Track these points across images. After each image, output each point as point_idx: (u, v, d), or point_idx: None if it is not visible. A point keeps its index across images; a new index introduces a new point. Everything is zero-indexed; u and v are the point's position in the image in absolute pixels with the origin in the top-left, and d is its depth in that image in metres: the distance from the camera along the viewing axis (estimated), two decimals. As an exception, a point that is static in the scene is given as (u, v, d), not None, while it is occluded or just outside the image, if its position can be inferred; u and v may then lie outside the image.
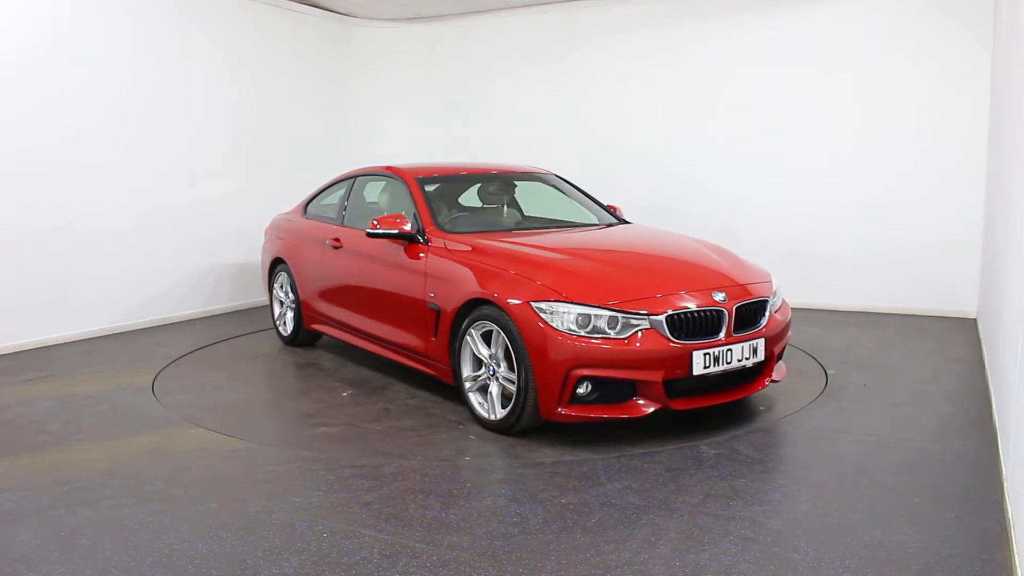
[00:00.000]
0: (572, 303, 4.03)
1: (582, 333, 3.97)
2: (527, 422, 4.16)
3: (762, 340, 4.32)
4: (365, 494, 3.52)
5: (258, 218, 8.39)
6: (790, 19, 7.77)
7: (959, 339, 6.40)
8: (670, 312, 4.04)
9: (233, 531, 3.15)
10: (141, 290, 7.27)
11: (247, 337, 6.94)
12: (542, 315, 4.02)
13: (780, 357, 4.73)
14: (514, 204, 6.00)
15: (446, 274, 4.68)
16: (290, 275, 6.43)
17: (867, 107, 7.49)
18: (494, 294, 4.24)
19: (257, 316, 7.88)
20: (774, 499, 3.41)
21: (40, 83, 6.38)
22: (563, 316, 4.00)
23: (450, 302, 4.55)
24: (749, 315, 4.33)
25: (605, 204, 6.03)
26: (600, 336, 3.97)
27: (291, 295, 6.46)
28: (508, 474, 3.72)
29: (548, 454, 4.00)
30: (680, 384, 4.14)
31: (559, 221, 5.77)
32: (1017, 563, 2.76)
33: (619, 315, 4.00)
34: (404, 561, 2.88)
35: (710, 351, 4.09)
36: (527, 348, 4.04)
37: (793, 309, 7.76)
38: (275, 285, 6.71)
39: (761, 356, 4.33)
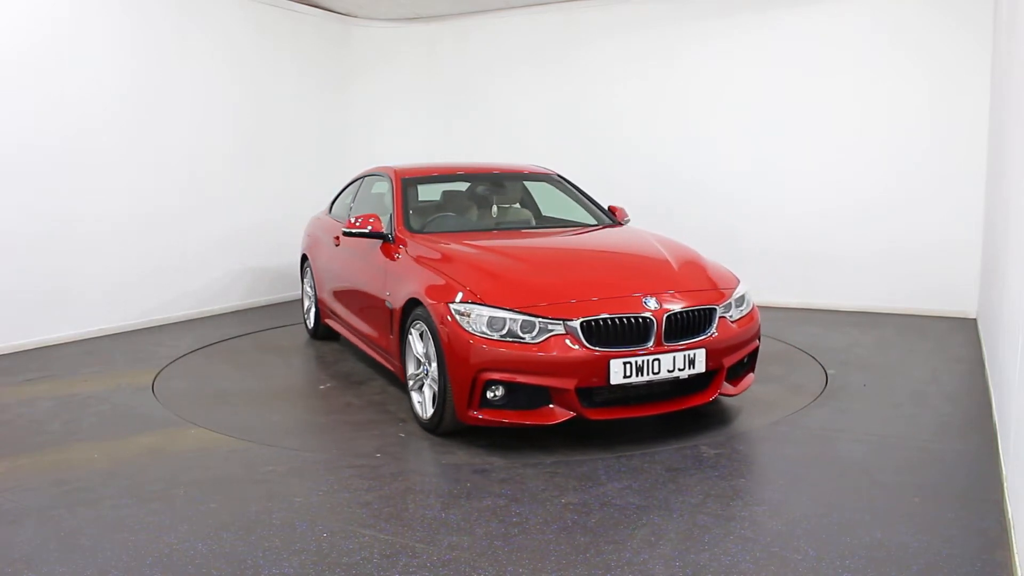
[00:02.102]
0: (486, 306, 3.99)
1: (495, 337, 3.92)
2: (448, 423, 4.16)
3: (702, 351, 4.09)
4: (365, 494, 3.52)
5: (258, 218, 8.42)
6: (790, 19, 7.78)
7: (959, 339, 6.40)
8: (586, 318, 3.92)
9: (233, 531, 3.15)
10: (141, 290, 7.27)
11: (250, 336, 6.94)
12: (457, 317, 4.02)
13: (751, 368, 4.60)
14: (511, 204, 5.98)
15: (400, 274, 4.77)
16: (311, 271, 6.68)
17: (867, 107, 7.50)
18: (423, 295, 4.30)
19: (258, 315, 7.89)
20: (774, 499, 3.41)
21: (40, 83, 6.39)
22: (477, 319, 3.97)
23: (397, 301, 4.66)
24: (689, 323, 4.12)
25: (607, 204, 6.01)
26: (514, 340, 3.91)
27: (313, 290, 6.69)
28: (508, 474, 3.72)
29: (460, 455, 4.00)
30: (604, 393, 4.01)
31: (548, 222, 5.78)
32: (1017, 563, 2.76)
33: (535, 320, 3.92)
34: (404, 561, 2.88)
35: (631, 360, 3.92)
36: (443, 349, 4.06)
37: (793, 309, 7.80)
38: (304, 281, 6.99)
39: (701, 368, 4.10)
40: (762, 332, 6.69)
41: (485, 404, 3.99)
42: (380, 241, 5.20)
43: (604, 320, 3.95)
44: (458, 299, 4.08)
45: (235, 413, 4.84)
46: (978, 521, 3.15)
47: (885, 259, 7.53)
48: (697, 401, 4.23)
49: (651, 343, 3.99)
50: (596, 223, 5.65)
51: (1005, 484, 3.44)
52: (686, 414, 4.54)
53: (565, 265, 4.61)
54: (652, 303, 4.05)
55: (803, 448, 4.07)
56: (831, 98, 7.63)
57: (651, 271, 4.49)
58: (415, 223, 5.30)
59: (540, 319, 3.93)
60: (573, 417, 3.96)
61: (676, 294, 4.19)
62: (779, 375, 5.42)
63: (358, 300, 5.51)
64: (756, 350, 4.60)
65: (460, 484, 3.62)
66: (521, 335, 3.92)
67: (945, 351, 6.03)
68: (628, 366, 3.92)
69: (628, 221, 5.80)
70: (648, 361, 3.96)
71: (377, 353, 5.25)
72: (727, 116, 8.11)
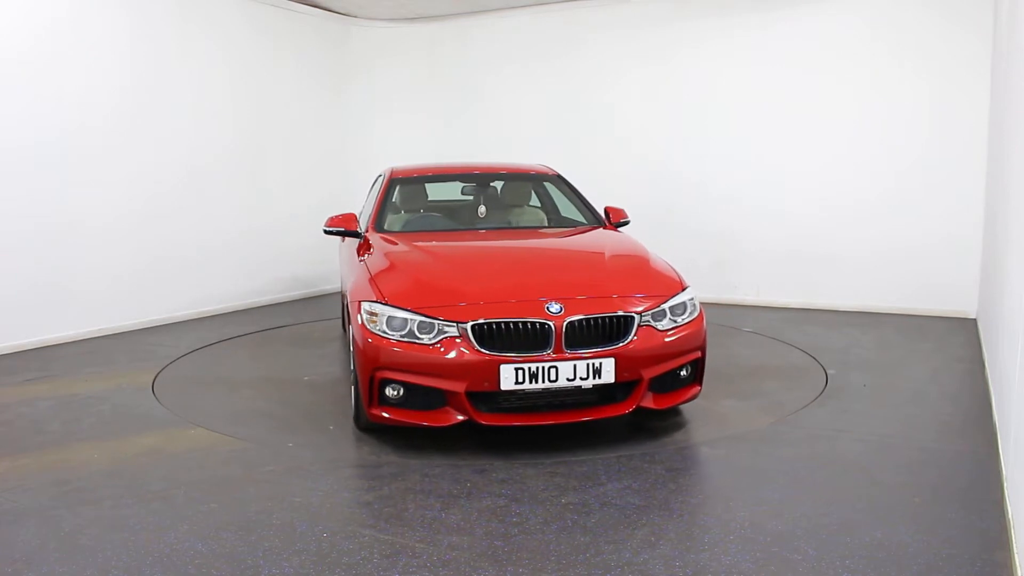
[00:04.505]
0: (390, 306, 4.03)
1: (395, 337, 3.93)
2: (364, 419, 4.20)
3: (611, 360, 3.92)
4: (365, 494, 3.52)
5: (258, 218, 8.42)
6: (790, 19, 7.78)
7: (959, 339, 6.40)
8: (478, 321, 3.87)
9: (233, 531, 3.15)
10: (141, 290, 7.26)
11: (249, 337, 6.95)
12: (366, 316, 4.08)
13: (697, 380, 4.36)
14: (508, 203, 5.96)
15: (353, 272, 4.87)
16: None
17: (867, 107, 7.50)
18: (349, 294, 4.41)
19: (261, 315, 7.89)
20: (774, 499, 3.41)
21: (39, 82, 6.39)
22: (381, 318, 4.01)
23: (345, 299, 4.80)
24: (602, 330, 3.97)
25: (605, 205, 5.93)
26: (412, 341, 3.91)
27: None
28: (508, 474, 3.72)
29: (364, 451, 4.10)
30: (505, 398, 3.94)
31: (530, 222, 5.75)
32: (1017, 563, 2.76)
33: (434, 321, 3.92)
34: (404, 561, 2.88)
35: (524, 366, 3.83)
36: (353, 347, 4.15)
37: (793, 309, 7.80)
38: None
39: (609, 378, 3.92)
40: (762, 332, 6.75)
41: (385, 402, 4.02)
42: (359, 240, 5.29)
43: (498, 324, 3.89)
44: (369, 299, 4.15)
45: (199, 397, 5.00)
46: (978, 521, 3.15)
47: (885, 259, 7.53)
48: (609, 413, 4.03)
49: (550, 350, 3.90)
50: (585, 224, 5.57)
51: (1005, 484, 3.44)
52: (685, 415, 4.55)
53: (496, 268, 4.57)
54: (555, 308, 3.94)
55: (803, 448, 4.07)
56: (832, 98, 7.64)
57: (578, 275, 4.41)
58: (391, 222, 5.41)
59: (438, 321, 3.92)
60: (465, 421, 3.93)
61: (590, 300, 4.05)
62: (779, 375, 5.42)
63: (342, 296, 5.67)
64: (698, 361, 4.31)
65: (460, 484, 3.62)
66: (419, 336, 3.92)
67: (945, 351, 6.03)
68: (520, 372, 3.83)
69: (627, 222, 5.71)
70: (544, 368, 3.84)
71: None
72: (728, 116, 8.11)
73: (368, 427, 4.30)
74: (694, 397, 4.37)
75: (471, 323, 3.88)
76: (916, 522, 3.15)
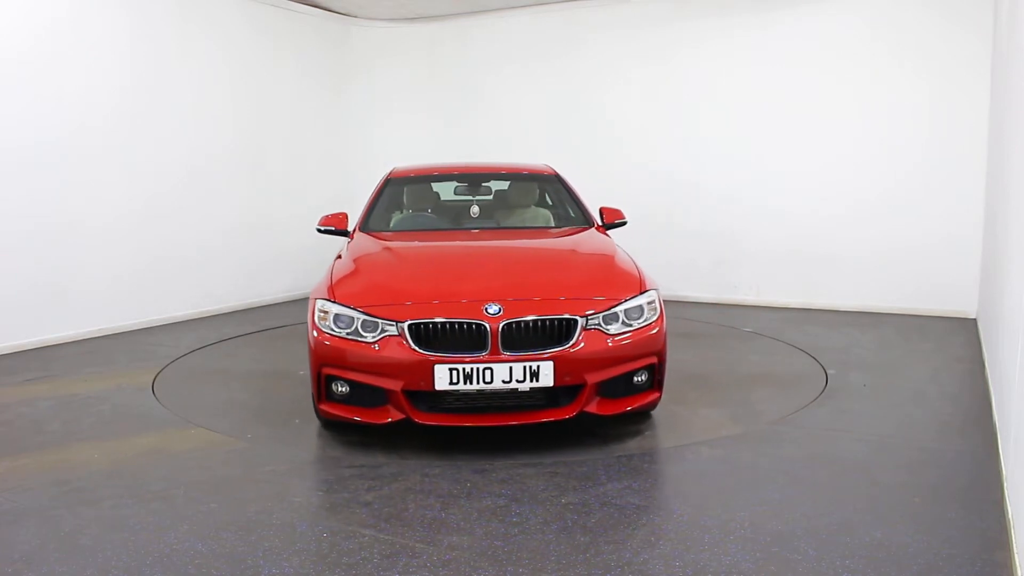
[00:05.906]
0: (338, 304, 4.08)
1: (342, 335, 4.00)
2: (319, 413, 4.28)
3: (549, 363, 3.84)
4: (365, 494, 3.52)
5: (259, 218, 8.41)
6: (790, 19, 7.79)
7: (959, 339, 6.40)
8: (415, 320, 3.90)
9: (233, 531, 3.15)
10: (141, 290, 7.26)
11: (249, 336, 6.95)
12: (318, 314, 4.14)
13: (657, 387, 4.21)
14: (504, 203, 5.92)
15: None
16: None
17: (867, 107, 7.50)
18: (312, 291, 4.46)
19: (261, 315, 7.89)
20: (774, 499, 3.41)
21: (39, 82, 6.39)
22: (329, 316, 4.07)
23: None
24: (541, 333, 3.90)
25: (600, 206, 5.87)
26: (356, 339, 3.97)
27: None
28: (508, 474, 3.72)
29: (316, 450, 4.17)
30: (443, 398, 3.93)
31: (527, 223, 5.67)
32: (1017, 563, 2.76)
33: (377, 320, 3.95)
34: (404, 561, 2.88)
35: (458, 367, 3.83)
36: (307, 343, 4.20)
37: (793, 309, 7.80)
38: None
39: (548, 382, 3.84)
40: (762, 332, 6.75)
41: (332, 398, 4.08)
42: (348, 239, 5.31)
43: (434, 324, 3.90)
44: (323, 297, 4.20)
45: (199, 397, 5.05)
46: (978, 521, 3.15)
47: (885, 259, 7.53)
48: (549, 417, 3.96)
49: (487, 351, 3.87)
50: (576, 225, 5.48)
51: (1005, 484, 3.44)
52: (685, 415, 4.55)
53: (453, 269, 4.57)
54: (493, 309, 3.91)
55: (803, 448, 4.07)
56: (832, 98, 7.64)
57: (534, 276, 4.35)
58: (382, 222, 5.42)
59: (381, 320, 3.96)
60: (403, 419, 3.95)
61: (534, 301, 4.00)
62: (778, 375, 5.42)
63: None
64: (654, 367, 4.15)
65: (460, 484, 3.62)
66: (363, 334, 3.97)
67: (945, 351, 6.03)
68: (455, 372, 3.83)
69: (623, 223, 5.61)
70: (478, 369, 3.83)
71: None
72: (728, 116, 8.12)
73: (328, 422, 4.34)
74: (651, 405, 4.23)
75: (408, 322, 3.92)
76: (916, 522, 3.15)
